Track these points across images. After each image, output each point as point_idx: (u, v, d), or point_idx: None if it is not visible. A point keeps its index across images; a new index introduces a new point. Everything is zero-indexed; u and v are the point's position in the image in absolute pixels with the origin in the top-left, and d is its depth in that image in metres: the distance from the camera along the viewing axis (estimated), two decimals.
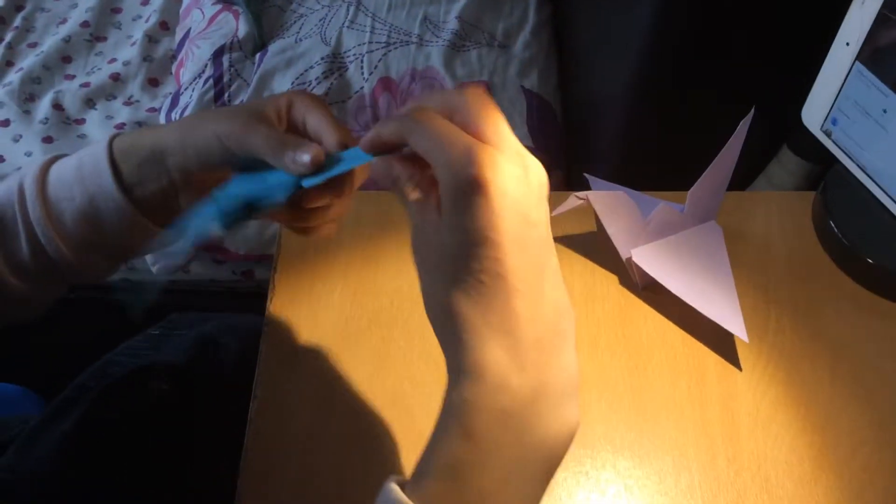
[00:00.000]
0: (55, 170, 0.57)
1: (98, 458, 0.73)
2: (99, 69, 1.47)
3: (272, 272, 0.72)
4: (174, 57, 1.46)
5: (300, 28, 1.38)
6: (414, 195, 0.44)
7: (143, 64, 1.47)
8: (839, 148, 0.71)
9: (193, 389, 0.80)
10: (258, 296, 0.72)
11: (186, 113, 1.27)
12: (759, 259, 0.73)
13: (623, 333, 0.68)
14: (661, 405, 0.64)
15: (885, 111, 0.65)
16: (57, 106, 1.39)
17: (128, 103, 1.42)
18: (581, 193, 0.68)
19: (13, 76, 1.44)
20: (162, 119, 1.35)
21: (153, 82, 1.46)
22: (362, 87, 1.26)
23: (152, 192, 0.56)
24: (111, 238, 0.57)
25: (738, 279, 0.68)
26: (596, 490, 0.60)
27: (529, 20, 1.37)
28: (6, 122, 1.37)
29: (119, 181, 0.55)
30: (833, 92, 0.70)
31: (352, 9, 1.38)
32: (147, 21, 1.55)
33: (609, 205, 0.67)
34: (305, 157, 0.50)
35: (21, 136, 1.34)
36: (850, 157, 0.70)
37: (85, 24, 1.54)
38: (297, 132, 0.55)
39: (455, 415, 0.40)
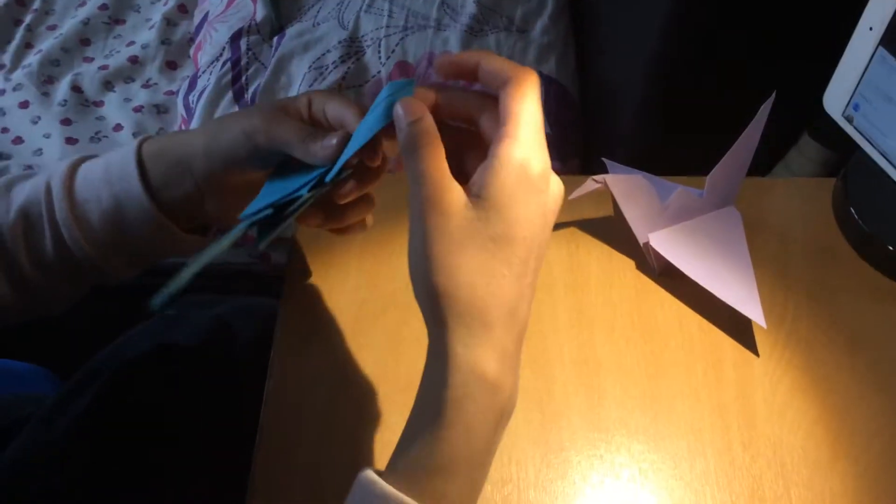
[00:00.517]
0: (83, 171, 0.58)
1: (113, 438, 0.74)
2: (117, 52, 1.48)
3: (288, 255, 0.72)
4: (192, 40, 1.47)
5: (318, 12, 1.37)
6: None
7: (161, 47, 1.47)
8: (861, 134, 0.70)
9: (209, 371, 0.81)
10: (274, 279, 0.73)
11: (204, 96, 1.28)
12: (778, 245, 0.73)
13: (639, 318, 0.68)
14: (676, 390, 0.64)
15: None
16: (75, 88, 1.40)
17: (146, 86, 1.42)
18: (599, 177, 0.67)
19: (32, 58, 1.45)
20: (179, 102, 1.35)
21: (171, 65, 1.46)
22: (379, 72, 1.26)
23: (178, 196, 0.57)
24: (136, 240, 0.58)
25: (757, 265, 0.68)
26: (610, 474, 0.60)
27: (548, 5, 1.36)
28: (25, 104, 1.37)
29: (146, 185, 0.56)
30: (855, 77, 0.69)
31: None
32: (165, 4, 1.55)
33: (627, 189, 0.67)
34: (333, 140, 0.50)
35: (40, 118, 1.35)
36: (871, 144, 0.69)
37: (103, 7, 1.54)
38: (320, 127, 0.56)
39: (443, 408, 0.42)
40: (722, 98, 0.90)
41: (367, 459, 0.60)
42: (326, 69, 1.26)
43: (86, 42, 1.50)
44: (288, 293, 0.70)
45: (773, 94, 0.63)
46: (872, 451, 0.61)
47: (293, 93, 1.25)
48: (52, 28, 1.52)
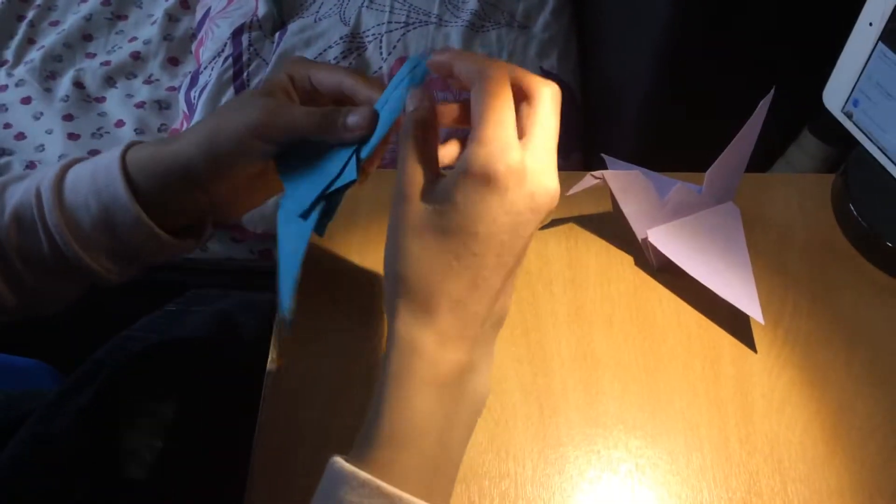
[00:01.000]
0: (71, 177, 0.57)
1: (115, 432, 0.74)
2: (119, 48, 1.48)
3: None
4: (194, 36, 1.47)
5: (319, 7, 1.38)
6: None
7: (164, 43, 1.47)
8: (860, 130, 0.70)
9: (212, 364, 0.81)
10: (275, 274, 0.73)
11: (206, 92, 1.28)
12: (777, 242, 0.73)
13: (637, 314, 0.68)
14: (674, 386, 0.64)
15: None
16: (78, 84, 1.40)
17: (148, 82, 1.42)
18: (597, 173, 0.67)
19: (34, 54, 1.45)
20: (181, 98, 1.35)
21: (173, 61, 1.46)
22: (381, 67, 1.26)
23: (174, 205, 0.57)
24: (130, 246, 0.57)
25: (756, 261, 0.68)
26: (608, 469, 0.60)
27: (550, 0, 1.36)
28: (27, 100, 1.38)
29: (134, 193, 0.55)
30: (855, 73, 0.69)
31: None
32: (167, 0, 1.55)
33: (625, 185, 0.67)
34: (355, 119, 0.51)
35: (42, 114, 1.36)
36: (870, 140, 0.69)
37: (106, 3, 1.55)
38: (312, 102, 0.55)
39: (386, 383, 0.44)
40: (723, 95, 0.89)
41: None
42: None
43: (88, 38, 1.50)
44: None
45: (773, 90, 0.63)
46: (870, 447, 0.61)
47: None
48: (55, 24, 1.53)
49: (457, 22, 1.31)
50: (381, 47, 1.28)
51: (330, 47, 1.29)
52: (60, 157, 1.28)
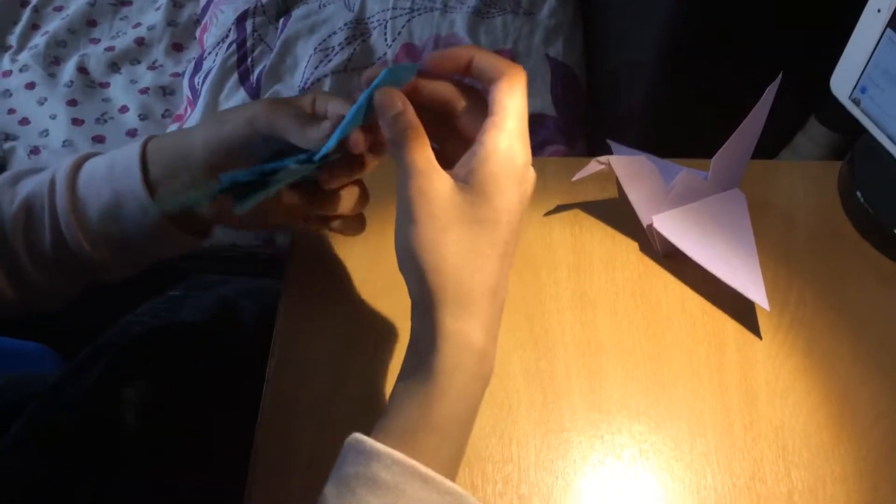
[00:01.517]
0: (88, 166, 0.58)
1: (118, 417, 0.74)
2: (124, 33, 1.47)
3: (292, 237, 0.72)
4: (198, 21, 1.46)
5: None
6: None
7: (168, 28, 1.47)
8: (867, 117, 0.69)
9: (213, 350, 0.81)
10: (278, 262, 0.73)
11: (209, 78, 1.28)
12: (783, 229, 0.73)
13: (642, 300, 0.68)
14: (678, 372, 0.64)
15: None
16: (82, 69, 1.39)
17: (152, 68, 1.42)
18: (602, 158, 0.67)
19: (39, 39, 1.45)
20: (185, 83, 1.35)
21: (177, 47, 1.46)
22: (385, 54, 1.25)
23: (175, 191, 0.57)
24: (133, 237, 0.58)
25: (761, 248, 0.68)
26: (611, 454, 0.60)
27: None
28: (31, 85, 1.37)
29: (147, 182, 0.56)
30: (863, 60, 0.68)
31: None
32: None
33: (631, 170, 0.67)
34: (327, 125, 0.51)
35: (46, 99, 1.35)
36: (878, 127, 0.68)
37: None
38: None
39: (436, 376, 0.45)
40: (729, 80, 0.89)
41: (368, 434, 0.60)
42: (332, 51, 1.26)
43: (92, 23, 1.49)
44: (290, 274, 0.70)
45: (780, 76, 0.62)
46: (874, 435, 0.61)
47: (299, 75, 1.25)
48: (59, 9, 1.52)
49: (462, 8, 1.30)
50: (385, 33, 1.27)
51: (334, 33, 1.28)
52: (64, 142, 1.28)
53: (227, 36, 1.32)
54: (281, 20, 1.34)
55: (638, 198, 0.68)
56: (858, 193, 0.71)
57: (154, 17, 1.49)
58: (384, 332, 0.66)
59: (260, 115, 0.53)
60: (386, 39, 1.26)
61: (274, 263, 1.26)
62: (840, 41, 0.71)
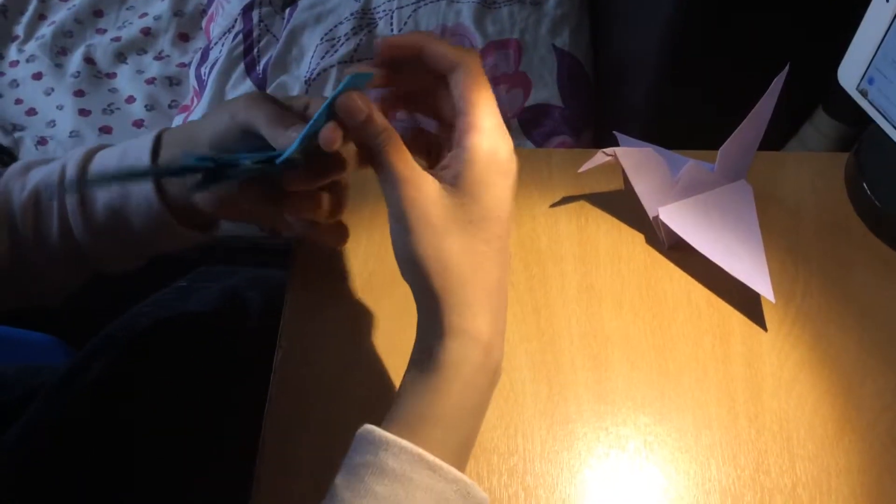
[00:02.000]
0: (99, 157, 0.59)
1: (126, 407, 0.75)
2: (130, 24, 1.48)
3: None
4: (204, 12, 1.46)
5: None
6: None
7: (174, 19, 1.47)
8: (875, 108, 0.69)
9: (219, 340, 0.81)
10: (284, 253, 0.73)
11: (216, 68, 1.28)
12: (790, 220, 0.72)
13: (648, 292, 0.68)
14: (683, 364, 0.64)
15: None
16: (88, 60, 1.40)
17: (158, 58, 1.42)
18: (609, 150, 0.67)
19: (45, 30, 1.45)
20: (191, 74, 1.35)
21: (183, 37, 1.46)
22: None
23: (176, 185, 0.57)
24: (135, 229, 0.58)
25: (768, 240, 0.68)
26: (616, 446, 0.60)
27: None
28: (38, 76, 1.38)
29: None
30: (871, 50, 0.68)
31: None
32: None
33: (637, 162, 0.67)
34: (295, 132, 0.50)
35: (53, 90, 1.36)
36: (885, 118, 0.68)
37: None
38: None
39: (442, 368, 0.46)
40: (737, 72, 0.89)
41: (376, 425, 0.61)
42: (338, 41, 1.26)
43: (99, 13, 1.50)
44: (296, 265, 0.70)
45: (787, 66, 0.62)
46: (879, 427, 0.61)
47: (305, 65, 1.25)
48: None
49: None
50: (391, 24, 1.27)
51: (340, 23, 1.28)
52: (71, 132, 1.29)
53: (233, 26, 1.32)
54: (287, 10, 1.34)
55: (644, 189, 0.68)
56: (865, 185, 0.71)
57: (160, 7, 1.49)
58: (391, 323, 0.66)
59: (241, 109, 0.53)
60: (392, 30, 1.26)
61: (279, 254, 1.26)
62: (848, 31, 0.71)
